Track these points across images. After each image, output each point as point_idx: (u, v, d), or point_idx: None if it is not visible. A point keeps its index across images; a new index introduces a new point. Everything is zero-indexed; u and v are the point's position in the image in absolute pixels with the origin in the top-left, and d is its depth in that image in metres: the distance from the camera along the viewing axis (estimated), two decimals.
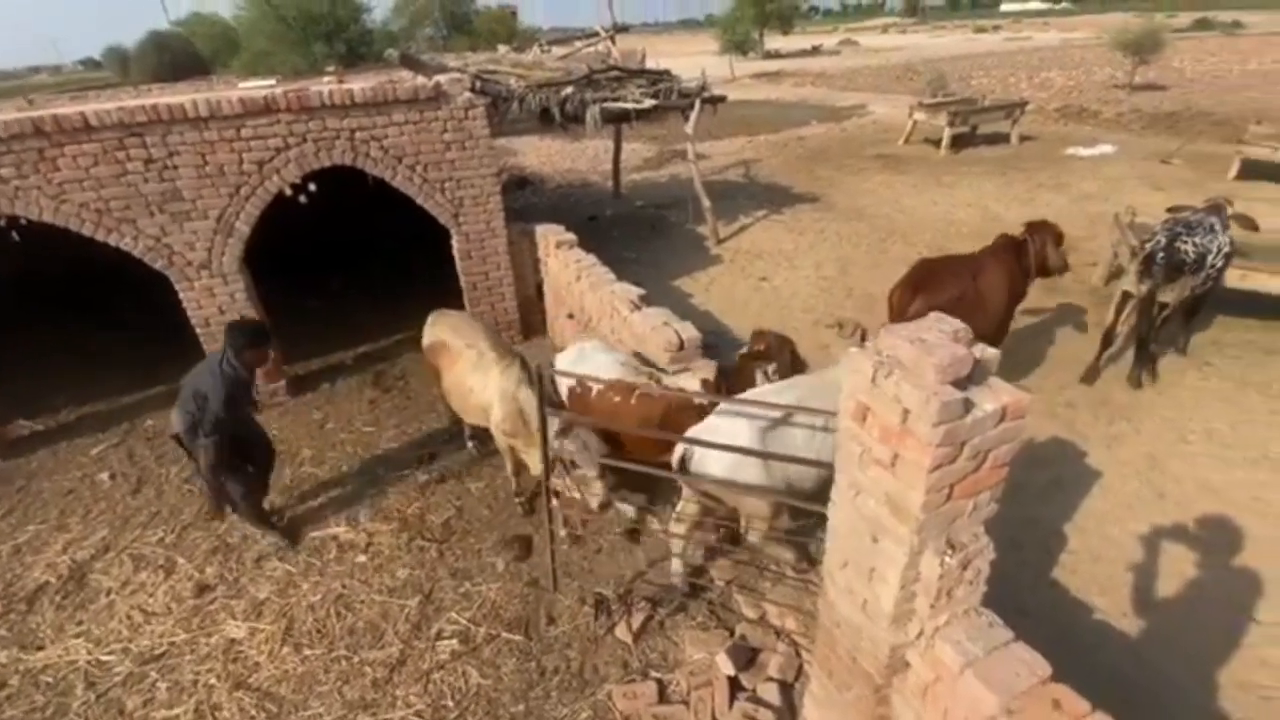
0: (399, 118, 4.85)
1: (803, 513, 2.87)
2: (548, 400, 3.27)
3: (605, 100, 6.92)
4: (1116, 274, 5.67)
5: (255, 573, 3.64)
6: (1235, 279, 5.10)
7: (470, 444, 4.49)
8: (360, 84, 5.03)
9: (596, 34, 9.96)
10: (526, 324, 5.84)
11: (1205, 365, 5.09)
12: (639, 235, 8.92)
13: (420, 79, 5.30)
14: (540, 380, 2.47)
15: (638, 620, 3.16)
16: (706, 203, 8.35)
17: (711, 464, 2.90)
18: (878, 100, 19.40)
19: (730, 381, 3.36)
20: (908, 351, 1.66)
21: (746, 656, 2.95)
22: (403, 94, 4.76)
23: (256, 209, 4.70)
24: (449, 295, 5.79)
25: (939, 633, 1.90)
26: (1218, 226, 4.66)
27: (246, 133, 4.49)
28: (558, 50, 10.46)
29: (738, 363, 3.47)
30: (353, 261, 8.01)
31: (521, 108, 6.46)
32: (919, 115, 12.68)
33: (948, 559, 1.80)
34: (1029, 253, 4.46)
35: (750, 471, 2.82)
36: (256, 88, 5.94)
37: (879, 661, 2.09)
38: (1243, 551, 3.44)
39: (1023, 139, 12.66)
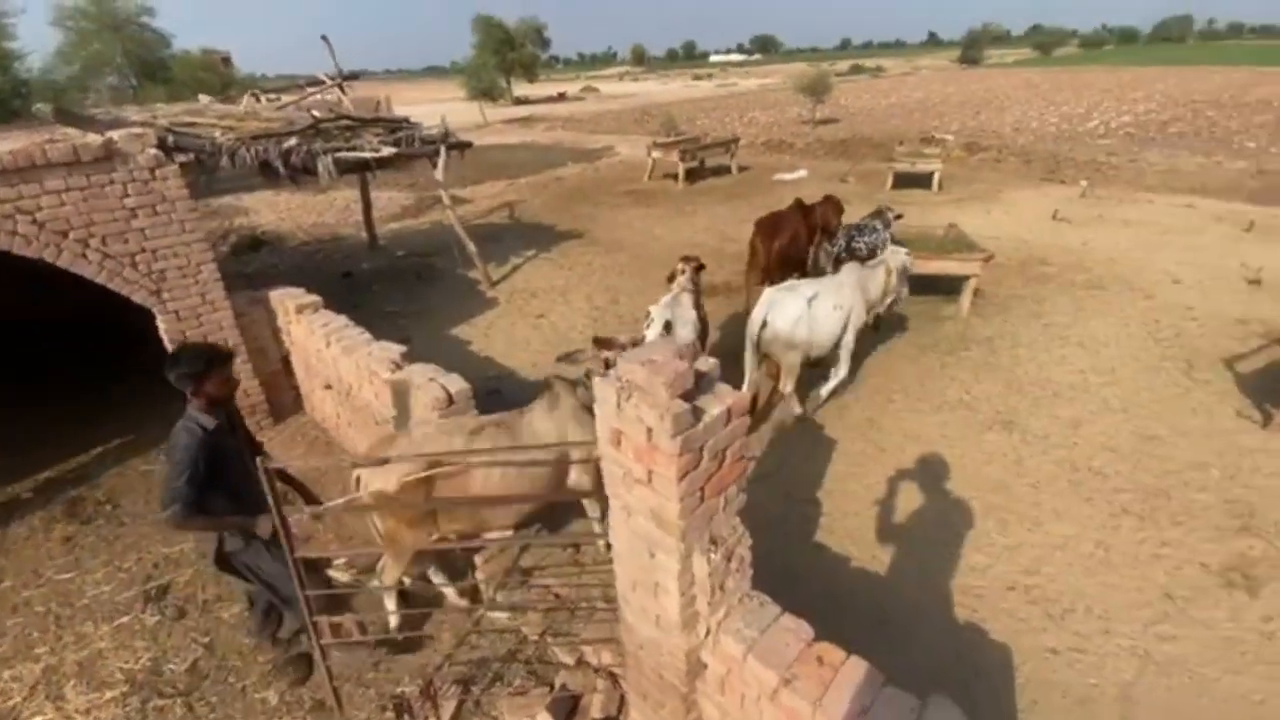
0: (56, 184, 3.94)
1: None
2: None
3: (338, 150, 6.45)
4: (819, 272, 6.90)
5: None
6: None
7: None
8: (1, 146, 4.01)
9: (321, 82, 9.29)
10: (275, 405, 5.09)
11: (895, 336, 6.32)
12: (403, 287, 8.43)
13: (91, 136, 4.40)
14: (270, 479, 2.11)
15: (449, 709, 2.88)
16: (471, 247, 8.21)
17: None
18: (622, 141, 21.07)
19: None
20: (641, 374, 1.76)
21: (568, 707, 2.86)
22: (58, 155, 3.89)
23: None
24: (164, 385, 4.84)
25: (721, 626, 2.03)
26: (880, 227, 6.12)
27: None
28: (286, 98, 9.54)
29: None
30: (15, 356, 6.28)
31: (234, 162, 5.71)
32: (656, 153, 14.06)
33: (713, 555, 1.93)
34: (816, 213, 6.52)
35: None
36: None
37: (680, 670, 2.16)
38: (944, 480, 4.30)
39: (740, 169, 14.71)
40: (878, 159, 14.85)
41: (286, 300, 4.83)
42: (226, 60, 29.00)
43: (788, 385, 4.85)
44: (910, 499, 4.15)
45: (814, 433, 4.87)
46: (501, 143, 22.16)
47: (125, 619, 3.50)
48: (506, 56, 40.49)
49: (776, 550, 3.49)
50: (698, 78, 66.21)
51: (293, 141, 6.17)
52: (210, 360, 2.63)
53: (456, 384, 3.48)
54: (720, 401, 1.82)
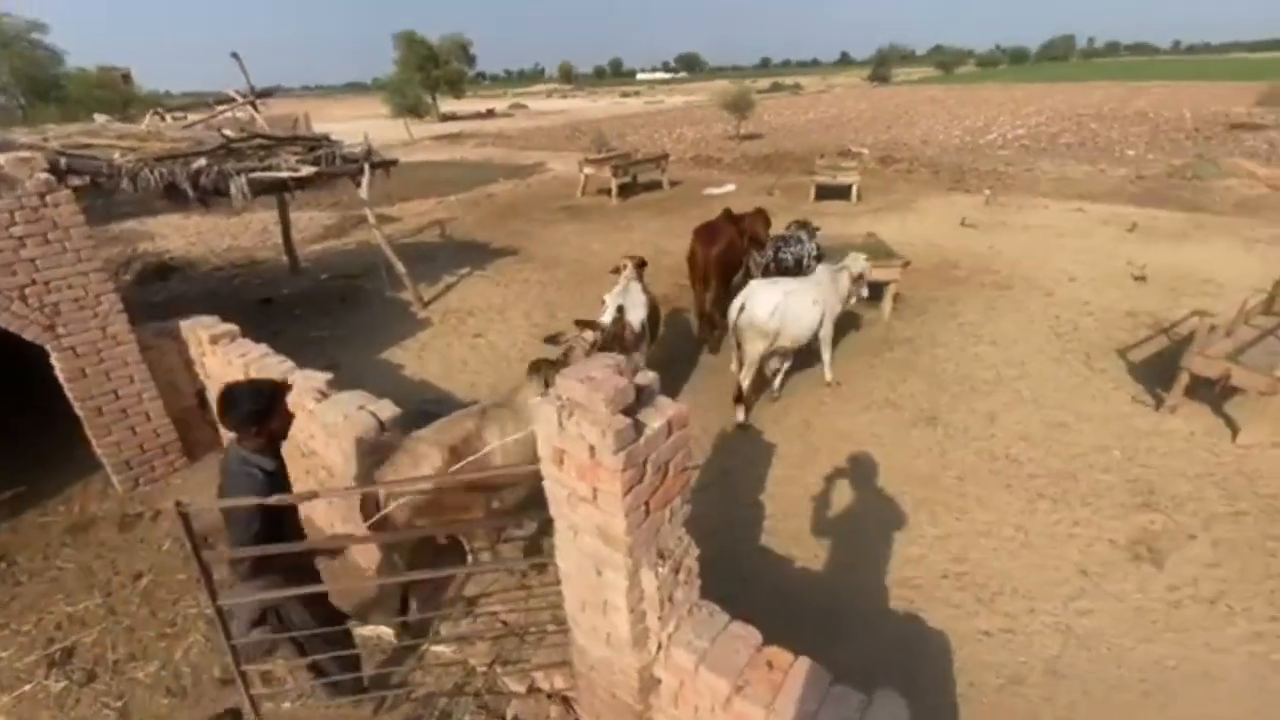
0: None
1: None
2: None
3: (252, 170, 6.15)
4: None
5: None
6: None
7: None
8: None
9: (231, 99, 8.82)
10: (190, 443, 4.74)
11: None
12: (329, 310, 8.08)
13: None
14: (187, 521, 1.96)
15: None
16: (400, 268, 7.97)
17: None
18: (554, 158, 21.05)
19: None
20: (581, 391, 1.75)
21: None
22: None
23: None
24: (64, 428, 4.44)
25: (672, 640, 2.03)
26: (804, 238, 6.46)
27: None
28: (193, 117, 8.99)
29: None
30: None
31: (135, 185, 5.34)
32: (588, 169, 14.13)
33: (661, 569, 1.93)
34: (744, 222, 6.58)
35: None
36: None
37: (634, 688, 2.15)
38: (876, 477, 4.48)
39: (672, 184, 14.99)
40: (800, 172, 15.44)
41: (199, 330, 4.54)
42: (126, 77, 26.98)
43: (746, 377, 5.02)
44: (846, 497, 4.29)
45: (754, 438, 4.98)
46: (430, 160, 21.72)
47: (27, 687, 3.16)
48: (431, 73, 39.80)
49: (723, 556, 3.53)
50: (626, 95, 67.24)
51: (202, 162, 5.82)
52: (273, 395, 2.44)
53: (387, 410, 3.37)
54: (661, 415, 1.84)
